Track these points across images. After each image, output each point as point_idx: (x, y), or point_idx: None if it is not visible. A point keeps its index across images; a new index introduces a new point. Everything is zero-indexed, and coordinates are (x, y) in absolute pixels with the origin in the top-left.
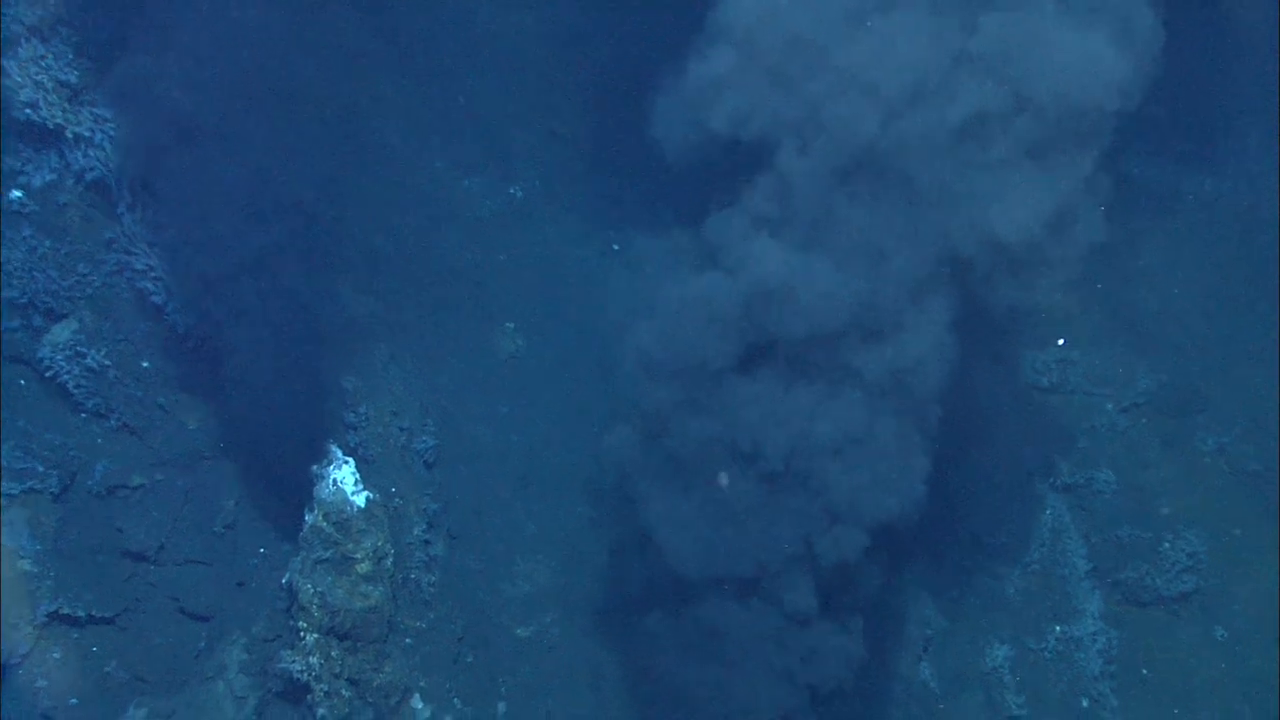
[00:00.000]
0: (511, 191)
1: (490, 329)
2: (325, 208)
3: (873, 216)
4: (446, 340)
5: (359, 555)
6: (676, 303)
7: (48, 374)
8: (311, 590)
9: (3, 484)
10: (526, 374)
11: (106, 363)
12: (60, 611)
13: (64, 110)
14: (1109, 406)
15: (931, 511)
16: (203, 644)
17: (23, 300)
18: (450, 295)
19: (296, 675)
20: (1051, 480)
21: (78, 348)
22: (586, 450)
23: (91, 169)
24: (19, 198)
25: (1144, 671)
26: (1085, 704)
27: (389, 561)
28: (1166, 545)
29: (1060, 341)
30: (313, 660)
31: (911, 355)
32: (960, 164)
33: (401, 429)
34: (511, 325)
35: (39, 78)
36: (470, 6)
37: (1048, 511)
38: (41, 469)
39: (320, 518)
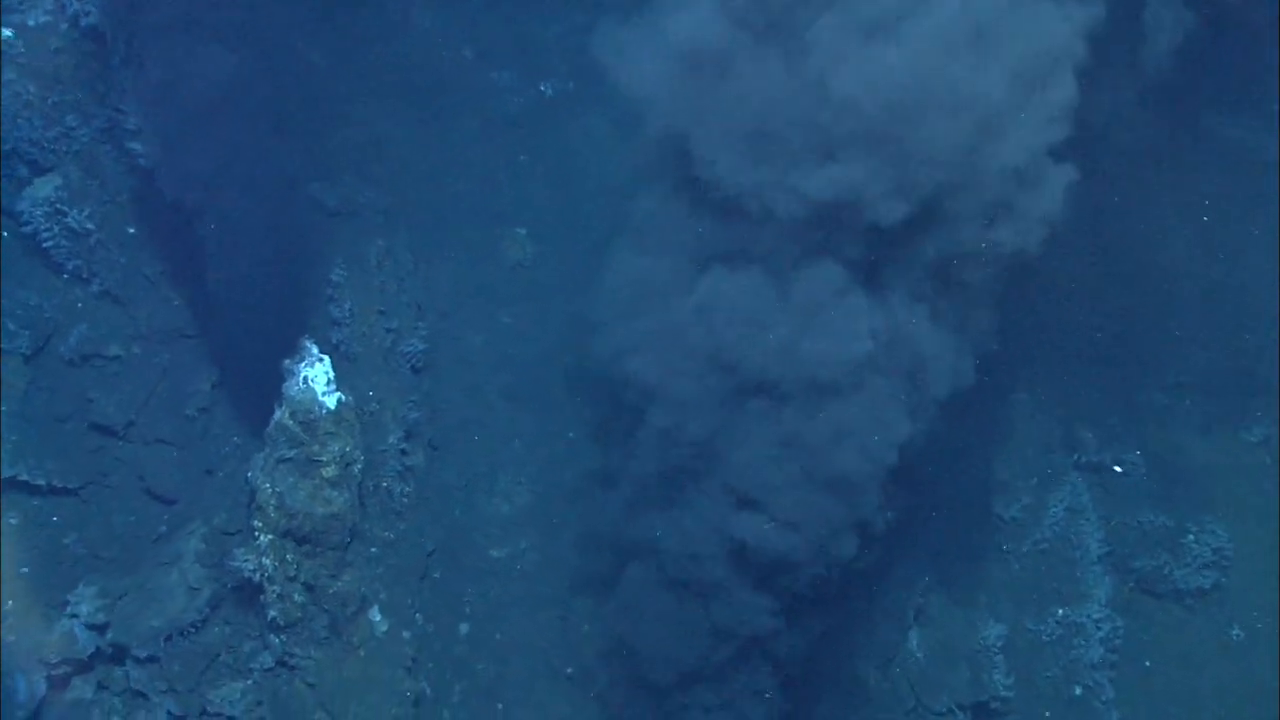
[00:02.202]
0: (542, 89)
1: (499, 233)
2: (333, 81)
3: None
4: (450, 240)
5: (325, 459)
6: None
7: (25, 229)
8: (270, 490)
9: None
10: (532, 284)
11: (89, 225)
12: (19, 478)
13: None
14: (1148, 382)
15: (940, 475)
16: (163, 528)
17: (5, 147)
18: (460, 193)
19: (249, 574)
20: (1075, 456)
21: (59, 205)
22: (585, 371)
23: (88, 13)
24: (9, 37)
25: (1147, 664)
26: (1078, 692)
27: (357, 468)
28: (1191, 537)
29: None
30: (266, 561)
31: None
32: None
33: (389, 330)
34: (523, 231)
35: None
36: None
37: (1066, 488)
38: (13, 327)
39: (287, 416)
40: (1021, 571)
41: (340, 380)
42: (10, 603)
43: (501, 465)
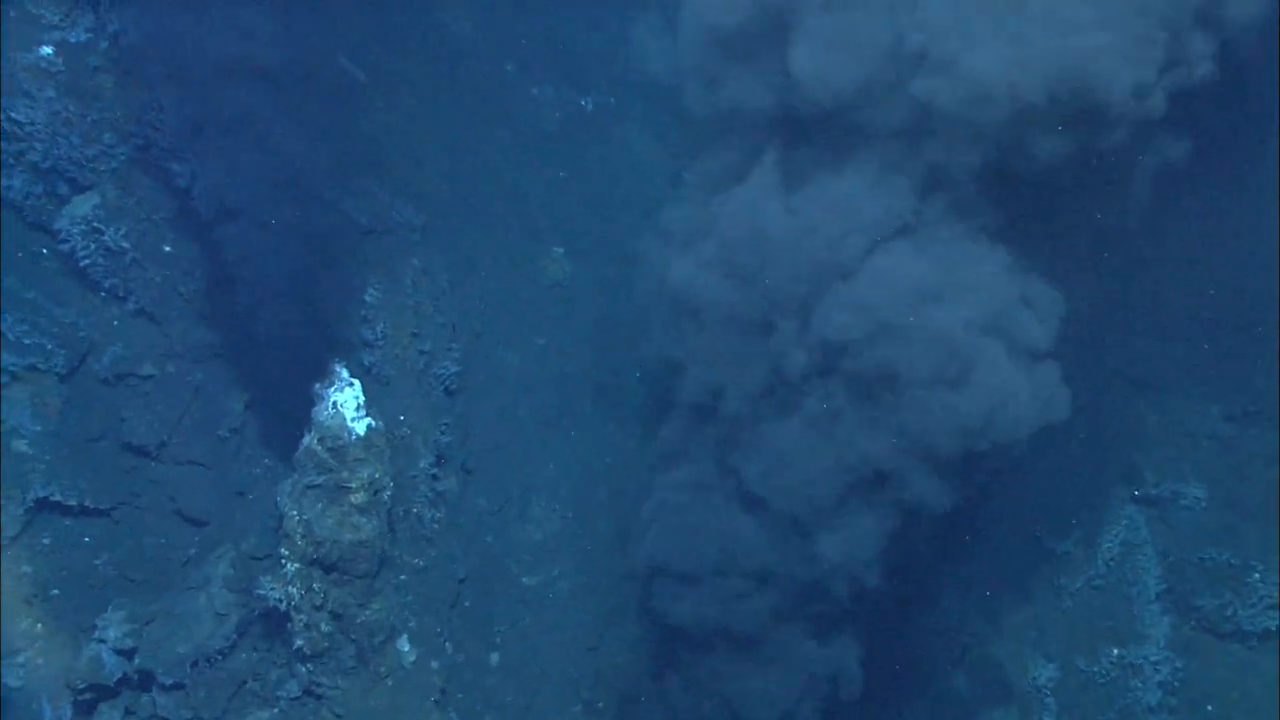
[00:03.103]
0: (582, 103)
1: (536, 251)
2: (371, 95)
3: None
4: (486, 259)
5: (354, 485)
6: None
7: (63, 247)
8: (297, 517)
9: (4, 358)
10: (569, 304)
11: (125, 244)
12: (52, 498)
13: None
14: (1212, 410)
15: (990, 504)
16: (193, 551)
17: (45, 165)
18: (497, 210)
19: (275, 603)
20: (1132, 488)
21: (95, 223)
22: (622, 394)
23: (126, 32)
24: (48, 55)
25: (1209, 709)
26: None
27: (386, 494)
28: (1257, 576)
29: None
30: (292, 590)
31: None
32: None
33: (422, 351)
34: (560, 250)
35: None
36: None
37: (1123, 522)
38: (50, 346)
39: (316, 441)
40: (1074, 609)
41: (371, 403)
42: (39, 625)
43: (534, 490)
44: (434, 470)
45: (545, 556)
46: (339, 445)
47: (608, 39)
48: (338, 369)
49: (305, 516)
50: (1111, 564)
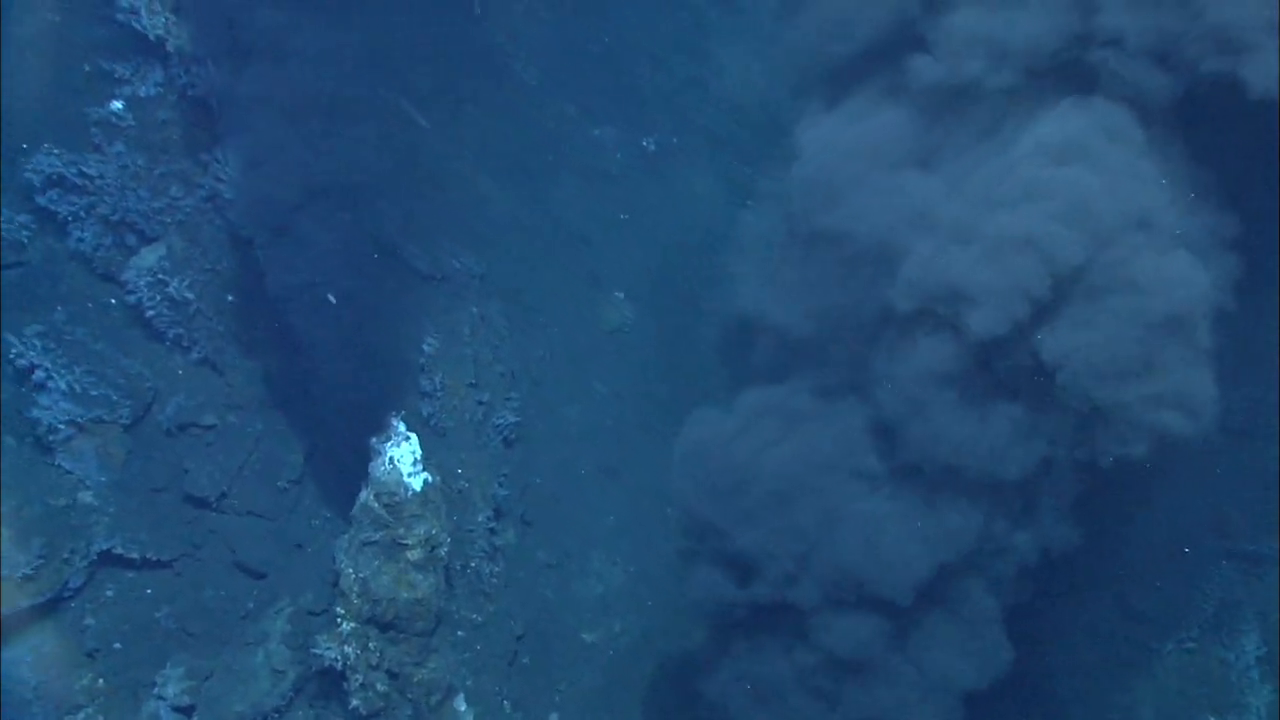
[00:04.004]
0: (644, 144)
1: (597, 296)
2: (432, 140)
3: None
4: (546, 305)
5: (410, 541)
6: None
7: (130, 298)
8: (353, 575)
9: (73, 409)
10: (630, 351)
11: (189, 294)
12: (114, 550)
13: (166, 20)
14: None
15: (1073, 562)
16: (251, 605)
17: (114, 217)
18: (558, 254)
19: (330, 662)
20: (1226, 543)
21: (160, 275)
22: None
23: (194, 85)
24: (119, 109)
25: None
26: None
27: (443, 550)
28: None
29: None
30: (348, 649)
31: None
32: None
33: (480, 402)
34: (621, 295)
35: None
36: None
37: (1216, 580)
38: (115, 397)
39: (372, 497)
40: (1165, 675)
41: (429, 456)
42: (100, 681)
43: (594, 543)
44: (492, 524)
45: (606, 611)
46: (395, 501)
47: (671, 79)
48: (394, 423)
49: (361, 574)
50: (1204, 625)
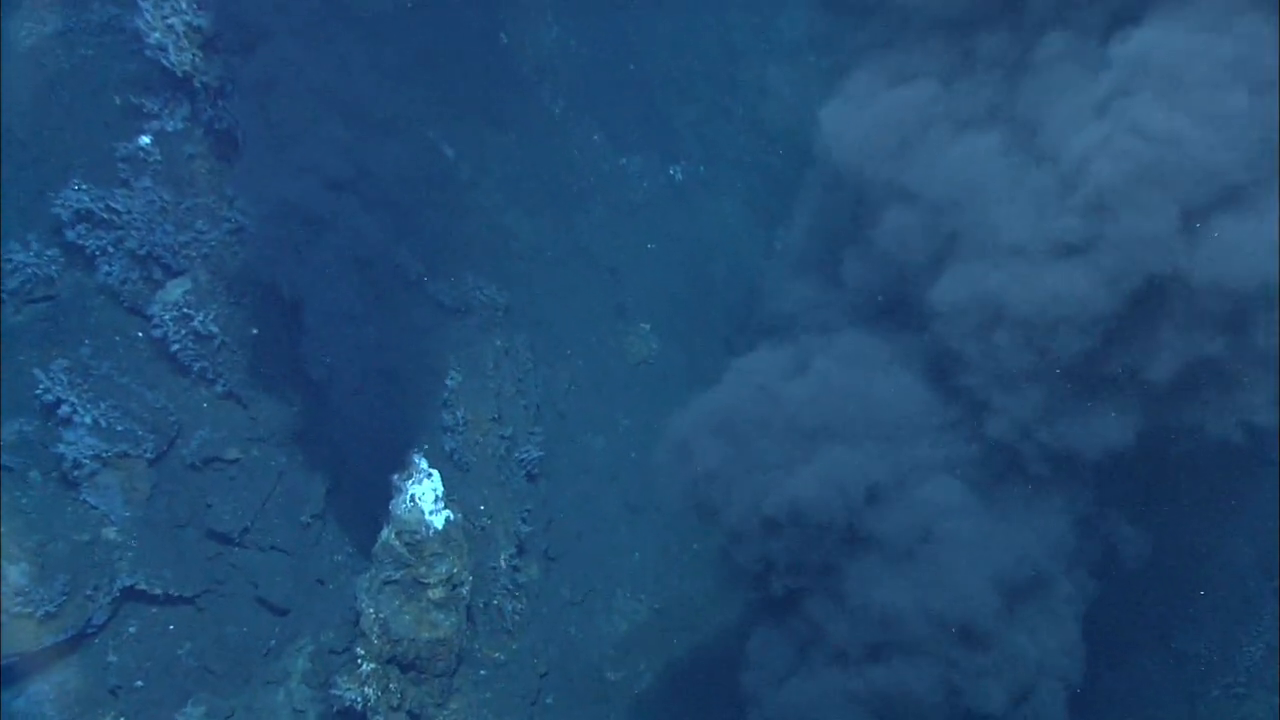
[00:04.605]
0: (671, 173)
1: (623, 328)
2: (458, 170)
3: None
4: (571, 337)
5: (431, 580)
6: None
7: (156, 332)
8: (374, 615)
9: (98, 444)
10: (656, 383)
11: (213, 328)
12: (137, 586)
13: (194, 56)
14: None
15: (1113, 602)
16: (273, 642)
17: (142, 251)
18: (583, 285)
19: (350, 703)
20: (1273, 582)
21: (185, 309)
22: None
23: (220, 120)
24: (146, 144)
25: None
26: None
27: (465, 589)
28: None
29: None
30: (368, 690)
31: None
32: None
33: (503, 436)
34: (647, 326)
35: (170, 20)
36: None
37: (1264, 621)
38: (140, 432)
39: (393, 536)
40: (1212, 719)
41: (451, 492)
42: (122, 719)
43: (619, 579)
44: (515, 561)
45: (630, 649)
46: (416, 540)
47: (700, 108)
48: (416, 460)
49: (382, 614)
50: (1252, 668)
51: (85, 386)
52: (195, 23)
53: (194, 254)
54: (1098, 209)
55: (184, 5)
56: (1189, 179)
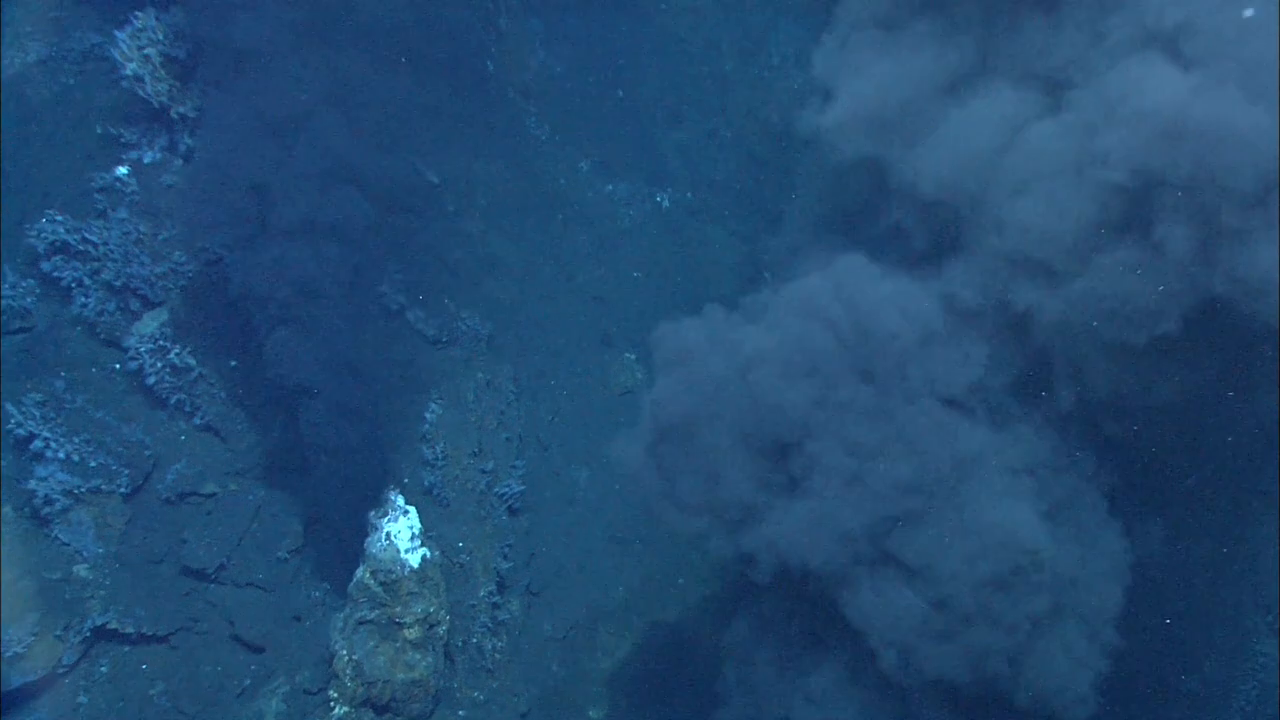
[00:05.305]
0: (658, 200)
1: (607, 357)
2: (444, 196)
3: None
4: (555, 367)
5: (407, 620)
6: None
7: (132, 365)
8: (347, 657)
9: (70, 479)
10: (641, 414)
11: (190, 360)
12: (109, 626)
13: (170, 87)
14: None
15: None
16: (248, 681)
17: (118, 283)
18: (568, 314)
19: None
20: (1269, 617)
21: (161, 341)
22: None
23: (198, 148)
24: (123, 175)
25: None
26: None
27: (442, 629)
28: None
29: None
30: None
31: None
32: None
33: (483, 471)
34: (632, 356)
35: (146, 50)
36: None
37: (1259, 658)
38: (115, 466)
39: (368, 575)
40: None
41: (430, 528)
42: None
43: (603, 615)
44: (495, 598)
45: (614, 688)
46: (392, 579)
47: (688, 133)
48: (392, 497)
49: (355, 655)
50: (1247, 707)
51: (59, 420)
52: (172, 53)
53: (171, 286)
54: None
55: (160, 36)
56: None
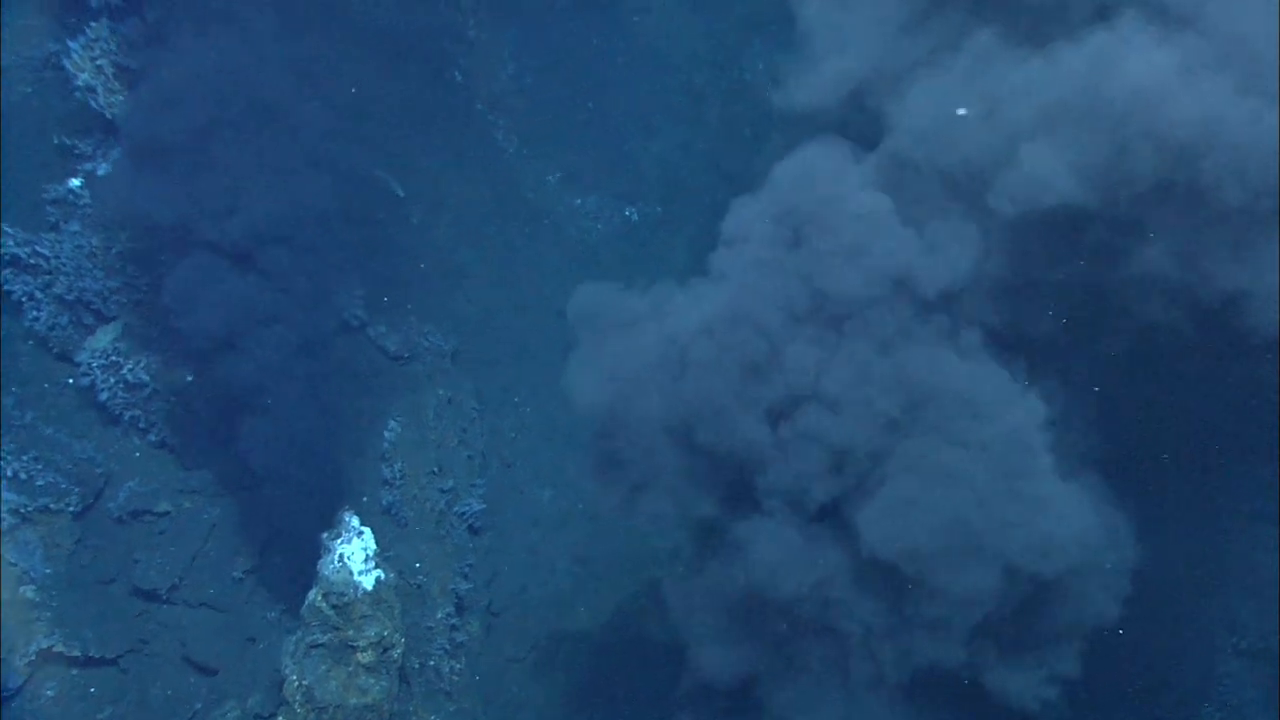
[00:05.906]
0: (627, 214)
1: None
2: (409, 208)
3: None
4: (518, 383)
5: (360, 644)
6: None
7: (84, 380)
8: (297, 682)
9: (18, 499)
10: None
11: (144, 376)
12: (54, 649)
13: (124, 98)
14: None
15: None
16: (199, 705)
17: (70, 297)
18: (532, 330)
19: None
20: (1235, 639)
21: (114, 357)
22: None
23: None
24: (76, 187)
25: None
26: None
27: (397, 652)
28: None
29: None
30: None
31: None
32: None
33: (442, 491)
34: None
35: (99, 61)
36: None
37: (1225, 681)
38: (64, 484)
39: (320, 597)
40: None
41: (387, 549)
42: None
43: (564, 637)
44: (453, 619)
45: (574, 710)
46: (344, 602)
47: (659, 145)
48: (346, 518)
49: (306, 681)
50: None
51: (7, 438)
52: (125, 64)
53: (125, 300)
54: None
55: (114, 46)
56: None
